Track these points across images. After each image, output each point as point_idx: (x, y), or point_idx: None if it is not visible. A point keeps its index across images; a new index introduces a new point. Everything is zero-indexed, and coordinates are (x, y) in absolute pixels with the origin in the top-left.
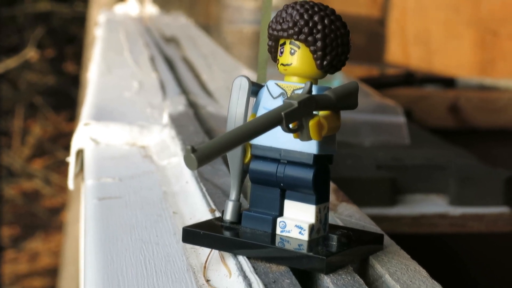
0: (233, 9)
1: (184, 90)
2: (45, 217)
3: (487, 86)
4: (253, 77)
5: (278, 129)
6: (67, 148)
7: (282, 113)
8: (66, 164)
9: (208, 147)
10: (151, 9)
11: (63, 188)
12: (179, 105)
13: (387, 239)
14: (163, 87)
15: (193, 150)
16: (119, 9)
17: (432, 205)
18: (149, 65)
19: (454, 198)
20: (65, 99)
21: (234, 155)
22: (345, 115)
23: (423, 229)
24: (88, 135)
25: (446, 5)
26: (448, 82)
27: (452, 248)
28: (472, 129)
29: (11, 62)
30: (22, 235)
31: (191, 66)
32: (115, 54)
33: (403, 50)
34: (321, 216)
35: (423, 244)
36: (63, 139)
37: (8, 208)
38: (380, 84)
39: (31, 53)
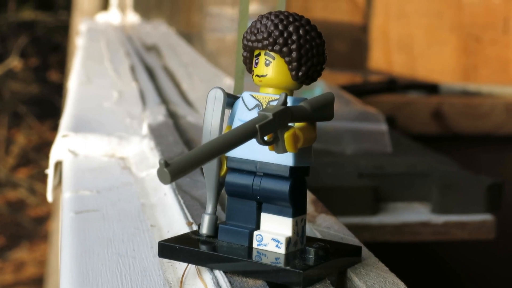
0: (214, 17)
1: (164, 100)
2: (30, 226)
3: (470, 91)
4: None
5: (254, 141)
6: None
7: (257, 126)
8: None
9: (181, 161)
10: (133, 18)
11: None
12: (159, 115)
13: (365, 251)
14: (143, 97)
15: (166, 164)
16: (100, 17)
17: (414, 213)
18: (129, 75)
19: (436, 206)
20: (49, 108)
21: (209, 168)
22: (327, 123)
23: (406, 237)
24: (66, 147)
25: (429, 11)
26: (431, 88)
27: (435, 256)
28: (456, 135)
29: None
30: (7, 245)
31: (171, 75)
32: (96, 63)
33: (386, 57)
34: (298, 228)
35: (407, 252)
36: (48, 148)
37: None
38: (363, 91)
39: (14, 62)
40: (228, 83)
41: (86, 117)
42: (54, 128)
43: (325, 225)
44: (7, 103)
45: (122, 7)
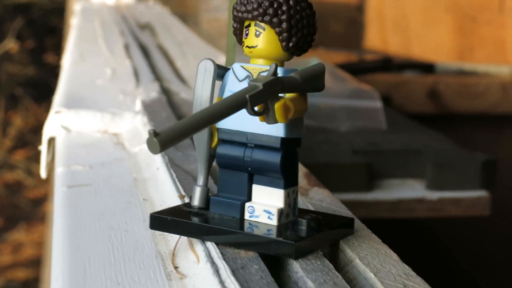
0: None
1: (157, 77)
2: (27, 208)
3: (466, 71)
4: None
5: (245, 112)
6: None
7: (247, 96)
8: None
9: (171, 130)
10: None
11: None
12: (152, 92)
13: (358, 223)
14: (136, 74)
15: (156, 134)
16: None
17: (409, 190)
18: (123, 53)
19: (431, 182)
20: (45, 90)
21: (200, 140)
22: (321, 100)
23: (401, 214)
24: (59, 123)
25: None
26: (427, 68)
27: (430, 232)
28: (452, 114)
29: None
30: (4, 226)
31: (165, 54)
32: (89, 42)
33: (381, 37)
34: (290, 200)
35: (401, 229)
36: None
37: None
38: (358, 69)
39: (10, 44)
40: (223, 60)
41: (79, 94)
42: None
43: (318, 198)
44: (4, 86)
45: None
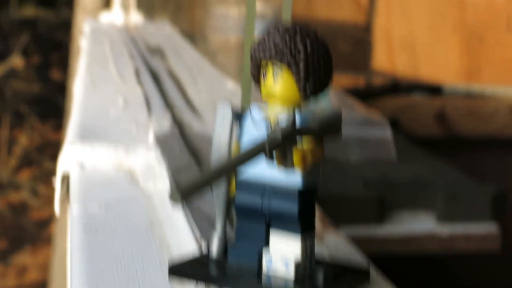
0: (219, 17)
1: (169, 105)
2: (33, 229)
3: (474, 93)
4: (239, 92)
5: (264, 162)
6: (54, 157)
7: (266, 146)
8: (53, 175)
9: (192, 183)
10: (136, 18)
11: (51, 199)
12: (165, 123)
13: (374, 273)
14: (148, 102)
15: (178, 186)
16: (104, 17)
17: (419, 223)
18: (134, 79)
19: (441, 214)
20: (51, 107)
21: (219, 189)
22: None
23: (411, 249)
24: (73, 157)
25: (432, 11)
26: (434, 90)
27: (440, 267)
28: (459, 138)
29: None
30: (9, 248)
31: (176, 79)
32: (100, 67)
33: (389, 57)
34: (307, 250)
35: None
36: (50, 149)
37: None
38: (367, 94)
39: (16, 61)
40: (231, 86)
41: (92, 125)
42: (57, 127)
43: (333, 244)
44: (9, 103)
45: (125, 6)
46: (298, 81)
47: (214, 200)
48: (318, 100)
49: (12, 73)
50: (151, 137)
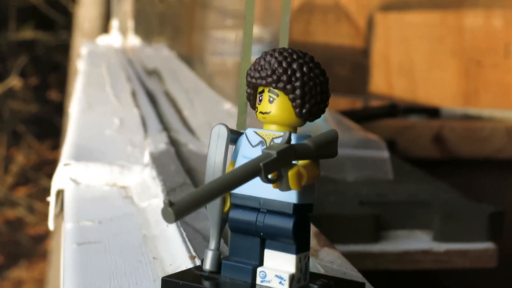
0: (216, 40)
1: (165, 127)
2: (29, 245)
3: (471, 116)
4: (235, 113)
5: (258, 179)
6: (50, 176)
7: (261, 164)
8: (49, 192)
9: (185, 201)
10: (134, 40)
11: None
12: (160, 143)
13: (369, 287)
14: (144, 123)
15: (171, 204)
16: (101, 40)
17: (416, 241)
18: (130, 100)
19: (438, 234)
20: (48, 127)
21: (213, 205)
22: None
23: (407, 265)
24: (68, 176)
25: (430, 35)
26: (432, 112)
27: (437, 284)
28: (457, 159)
29: None
30: (5, 263)
31: (172, 101)
32: (96, 89)
33: (387, 81)
34: (302, 265)
35: (408, 280)
36: (47, 167)
37: None
38: (364, 116)
39: (14, 81)
40: (228, 108)
41: (87, 145)
42: (54, 147)
43: (328, 259)
44: (7, 122)
45: (123, 30)
46: (295, 106)
47: (208, 215)
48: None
49: (10, 93)
50: (146, 157)
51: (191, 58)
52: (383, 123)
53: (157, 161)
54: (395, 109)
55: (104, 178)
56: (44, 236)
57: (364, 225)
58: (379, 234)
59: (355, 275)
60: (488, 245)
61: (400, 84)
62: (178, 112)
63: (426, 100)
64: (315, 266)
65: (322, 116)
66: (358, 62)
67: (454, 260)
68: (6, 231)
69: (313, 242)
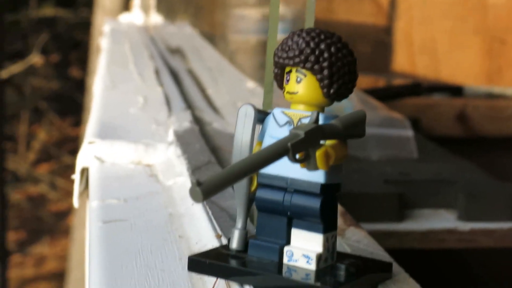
0: (239, 18)
1: (189, 105)
2: (51, 221)
3: (495, 94)
4: (259, 92)
5: (285, 158)
6: (72, 153)
7: (289, 144)
8: (71, 169)
9: (213, 180)
10: (156, 18)
11: (69, 192)
12: (185, 121)
13: (395, 266)
14: (168, 102)
15: (199, 183)
16: (123, 18)
17: (440, 220)
18: (154, 79)
19: (462, 213)
20: (70, 104)
21: (240, 184)
22: None
23: (432, 244)
24: (92, 154)
25: (453, 14)
26: (455, 91)
27: (461, 263)
28: (480, 138)
29: (15, 68)
30: (28, 239)
31: (196, 80)
32: (120, 67)
33: (409, 59)
34: (329, 245)
35: (433, 259)
36: (69, 144)
37: (14, 212)
38: (388, 95)
39: (35, 59)
40: (252, 86)
41: (112, 123)
42: (75, 124)
43: (354, 239)
44: (28, 99)
45: (145, 7)
46: (322, 86)
47: (235, 195)
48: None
49: (31, 71)
50: (171, 135)
51: (213, 36)
52: (406, 101)
53: (182, 139)
54: (418, 88)
55: (129, 156)
56: (66, 213)
57: (388, 203)
58: (404, 212)
59: (382, 254)
60: None
61: (423, 63)
62: (202, 90)
63: (449, 78)
64: (341, 245)
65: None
66: (381, 40)
67: (479, 240)
68: (29, 208)
69: (339, 221)
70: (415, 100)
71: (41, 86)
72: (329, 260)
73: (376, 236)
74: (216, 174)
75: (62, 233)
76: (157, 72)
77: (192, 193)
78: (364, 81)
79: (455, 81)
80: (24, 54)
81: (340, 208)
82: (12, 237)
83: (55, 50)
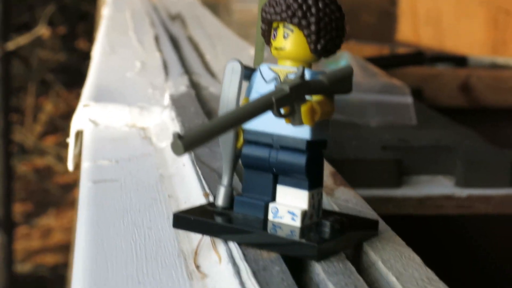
0: None
1: (187, 71)
2: (57, 193)
3: (499, 65)
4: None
5: (271, 114)
6: None
7: (273, 98)
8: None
9: (195, 133)
10: None
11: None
12: (181, 85)
13: (382, 225)
14: (166, 67)
15: (180, 136)
16: None
17: (438, 187)
18: (153, 45)
19: (460, 179)
20: (77, 76)
21: (226, 140)
22: (352, 95)
23: (429, 210)
24: (87, 116)
25: None
26: (459, 61)
27: (458, 229)
28: (483, 108)
29: (22, 39)
30: (34, 211)
31: (195, 46)
32: (120, 33)
33: (414, 29)
34: (314, 202)
35: (430, 225)
36: None
37: (20, 184)
38: (390, 63)
39: (42, 30)
40: (252, 53)
41: (108, 87)
42: None
43: (343, 198)
44: (35, 71)
45: None
46: (309, 41)
47: (222, 151)
48: (336, 59)
49: (38, 43)
50: (166, 99)
51: (216, 5)
52: (410, 71)
53: (177, 103)
54: (421, 57)
55: (124, 119)
56: (72, 185)
57: (386, 169)
58: (401, 179)
59: (370, 213)
60: (511, 191)
61: (427, 33)
62: (201, 56)
63: (453, 48)
64: (330, 204)
65: (346, 61)
66: (385, 10)
67: (476, 206)
68: (35, 180)
69: (329, 181)
70: (419, 70)
71: (48, 58)
72: (314, 217)
73: (374, 202)
74: (198, 127)
75: (69, 205)
76: (157, 39)
77: (174, 145)
78: (368, 50)
79: (459, 51)
80: (31, 26)
81: (330, 168)
82: (19, 208)
83: (62, 22)
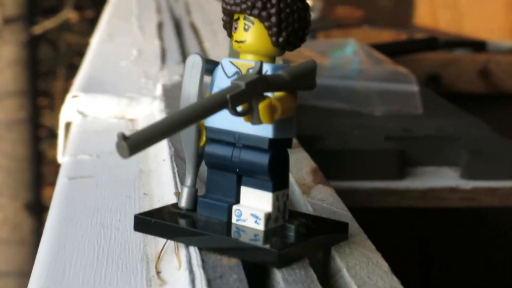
0: None
1: (185, 59)
2: None
3: None
4: None
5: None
6: None
7: (228, 96)
8: None
9: (141, 134)
10: None
11: None
12: (175, 75)
13: (355, 227)
14: (163, 55)
15: (125, 137)
16: None
17: (442, 179)
18: (154, 32)
19: (465, 171)
20: None
21: (188, 138)
22: (356, 83)
23: (433, 203)
24: (75, 108)
25: None
26: (478, 46)
27: (462, 223)
28: (503, 94)
29: (49, 23)
30: None
31: (196, 33)
32: (121, 20)
33: (431, 13)
34: (279, 204)
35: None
36: None
37: (50, 169)
38: (403, 49)
39: (69, 14)
40: None
41: (99, 77)
42: None
43: (319, 197)
44: (64, 55)
45: None
46: (271, 34)
47: (184, 150)
48: (341, 46)
49: (66, 26)
50: (159, 89)
51: None
52: (427, 56)
53: (169, 93)
54: (434, 42)
55: (112, 110)
56: None
57: (387, 160)
58: (405, 170)
59: (345, 214)
60: None
61: (445, 17)
62: (200, 43)
63: (472, 33)
64: (305, 204)
65: (352, 48)
66: None
67: (481, 198)
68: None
69: (308, 178)
70: (436, 55)
71: (76, 42)
72: (280, 219)
73: (376, 194)
74: (145, 127)
75: None
76: (160, 26)
77: (119, 147)
78: (385, 35)
79: (478, 36)
80: (58, 10)
81: (312, 164)
82: (48, 193)
83: (89, 5)
